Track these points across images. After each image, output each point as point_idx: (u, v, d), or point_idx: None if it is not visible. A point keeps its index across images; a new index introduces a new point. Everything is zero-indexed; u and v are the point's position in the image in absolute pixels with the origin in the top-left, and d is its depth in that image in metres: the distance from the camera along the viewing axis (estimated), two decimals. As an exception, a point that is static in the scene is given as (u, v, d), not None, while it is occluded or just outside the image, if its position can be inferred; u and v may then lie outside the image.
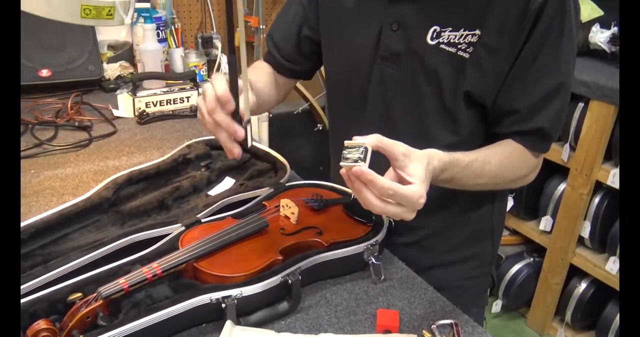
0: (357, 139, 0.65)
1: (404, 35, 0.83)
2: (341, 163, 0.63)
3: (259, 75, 0.99)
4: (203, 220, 0.89)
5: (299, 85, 2.46)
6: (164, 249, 0.82)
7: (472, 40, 0.78)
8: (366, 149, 0.63)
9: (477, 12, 0.77)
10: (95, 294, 0.70)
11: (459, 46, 0.79)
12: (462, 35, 0.78)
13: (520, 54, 0.78)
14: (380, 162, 0.67)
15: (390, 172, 0.67)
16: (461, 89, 0.81)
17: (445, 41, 0.79)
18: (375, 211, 0.65)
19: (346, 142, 0.65)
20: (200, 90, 0.69)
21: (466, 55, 0.79)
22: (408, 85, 0.85)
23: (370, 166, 0.63)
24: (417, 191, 0.64)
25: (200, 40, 1.94)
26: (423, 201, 0.64)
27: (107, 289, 0.70)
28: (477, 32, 0.77)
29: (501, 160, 0.82)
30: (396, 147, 0.66)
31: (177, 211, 0.94)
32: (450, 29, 0.79)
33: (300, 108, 2.48)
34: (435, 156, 0.72)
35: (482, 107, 0.84)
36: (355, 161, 0.63)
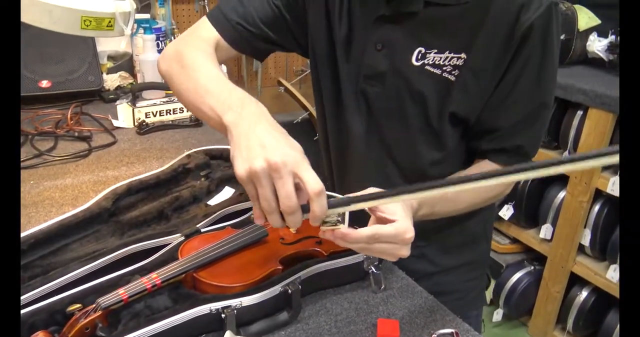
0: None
1: (388, 55, 0.83)
2: (322, 227, 0.64)
3: (216, 62, 0.84)
4: (203, 230, 0.89)
5: (299, 95, 2.48)
6: (164, 259, 0.82)
7: (457, 63, 0.79)
8: None
9: (464, 36, 0.78)
10: (94, 305, 0.69)
11: (444, 68, 0.80)
12: (447, 57, 0.79)
13: (504, 77, 0.79)
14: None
15: (372, 218, 0.68)
16: (447, 110, 0.83)
17: (430, 63, 0.80)
18: (372, 255, 0.68)
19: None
20: (264, 163, 0.60)
21: (452, 78, 0.80)
22: (393, 104, 0.86)
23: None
24: (400, 226, 0.65)
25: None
26: (411, 234, 0.66)
27: (106, 299, 0.70)
28: (463, 55, 0.79)
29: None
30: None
31: (177, 220, 0.94)
32: (436, 51, 0.80)
33: (300, 117, 2.49)
34: None
35: (465, 123, 0.85)
36: (335, 224, 0.64)
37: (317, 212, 0.60)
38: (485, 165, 0.87)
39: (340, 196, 0.63)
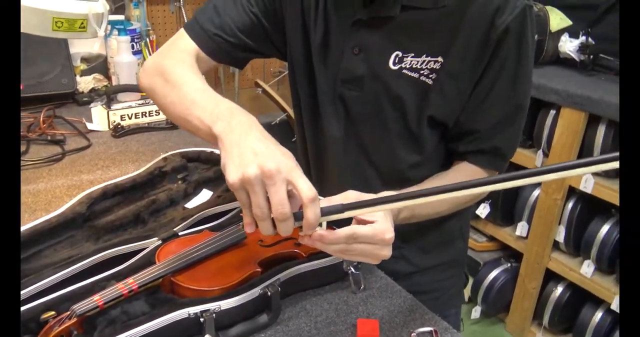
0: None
1: (365, 59, 0.84)
2: (300, 233, 0.64)
3: (200, 74, 0.84)
4: (180, 233, 0.88)
5: (276, 96, 2.48)
6: (140, 263, 0.81)
7: (434, 67, 0.80)
8: None
9: (440, 40, 0.79)
10: (69, 312, 0.68)
11: (421, 72, 0.81)
12: (424, 61, 0.80)
13: (481, 80, 0.80)
14: None
15: (353, 221, 0.68)
16: (425, 114, 0.83)
17: (408, 66, 0.81)
18: (352, 259, 0.68)
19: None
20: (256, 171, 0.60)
21: (429, 82, 0.81)
22: (371, 108, 0.86)
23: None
24: (379, 226, 0.66)
25: (175, 52, 1.93)
26: (390, 235, 0.66)
27: (81, 306, 0.68)
28: (440, 59, 0.79)
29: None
30: (347, 199, 0.66)
31: (154, 224, 0.92)
32: (413, 54, 0.80)
33: (278, 119, 2.49)
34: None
35: (443, 126, 0.86)
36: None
37: (310, 219, 0.60)
38: (464, 167, 0.87)
39: (334, 203, 0.63)
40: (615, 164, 0.48)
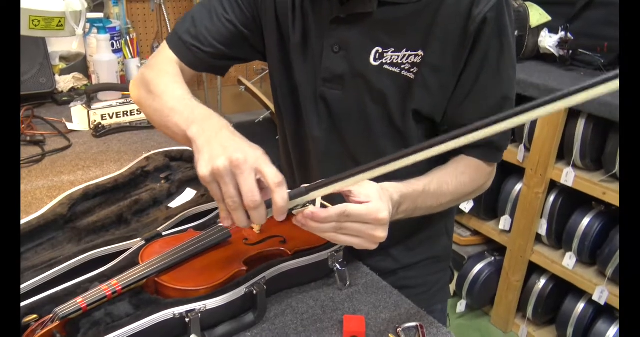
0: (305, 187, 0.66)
1: (346, 57, 0.84)
2: (293, 211, 0.65)
3: (183, 83, 0.86)
4: (164, 233, 0.87)
5: (260, 94, 2.46)
6: (124, 264, 0.80)
7: (415, 60, 0.80)
8: None
9: (419, 34, 0.79)
10: (51, 315, 0.67)
11: (402, 66, 0.81)
12: (404, 55, 0.80)
13: (464, 72, 0.81)
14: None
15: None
16: (409, 108, 0.83)
17: (389, 62, 0.81)
18: (347, 242, 0.67)
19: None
20: (224, 162, 0.63)
21: (411, 76, 0.81)
22: (354, 106, 0.86)
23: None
24: (373, 205, 0.66)
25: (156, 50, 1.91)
26: (384, 214, 0.66)
27: (63, 309, 0.67)
28: (420, 52, 0.80)
29: (457, 177, 0.84)
30: (382, 189, 0.68)
31: (137, 225, 0.92)
32: (393, 49, 0.81)
33: (262, 117, 2.48)
34: (390, 188, 0.73)
35: (431, 121, 0.86)
36: (305, 205, 0.65)
37: (279, 203, 0.62)
38: (462, 160, 0.86)
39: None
40: (615, 84, 0.46)
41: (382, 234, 0.67)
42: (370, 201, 0.66)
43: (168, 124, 0.76)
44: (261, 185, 0.63)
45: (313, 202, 0.65)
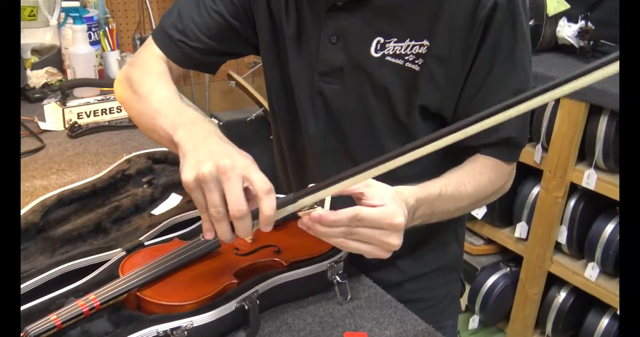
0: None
1: (344, 48, 0.84)
2: (299, 213, 0.66)
3: (170, 83, 0.88)
4: (146, 243, 0.87)
5: (252, 90, 2.47)
6: (102, 277, 0.80)
7: (420, 51, 0.80)
8: None
9: (423, 21, 0.79)
10: (22, 334, 0.67)
11: (406, 57, 0.81)
12: (408, 46, 0.80)
13: (474, 63, 0.81)
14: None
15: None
16: (415, 103, 0.84)
17: (391, 53, 0.81)
18: (357, 250, 0.67)
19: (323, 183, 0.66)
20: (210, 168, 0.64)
21: (416, 68, 0.81)
22: (354, 101, 0.87)
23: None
24: (387, 209, 0.66)
25: (138, 42, 1.92)
26: (400, 219, 0.66)
27: (36, 327, 0.67)
28: (425, 42, 0.80)
29: (475, 178, 0.84)
30: (398, 194, 0.68)
31: (117, 234, 0.92)
32: (395, 39, 0.81)
33: (254, 114, 2.48)
34: (405, 192, 0.73)
35: (440, 118, 0.87)
36: (312, 207, 0.65)
37: (266, 211, 0.63)
38: (477, 159, 0.86)
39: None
40: (615, 67, 0.48)
41: (396, 241, 0.66)
42: (385, 203, 0.66)
43: (153, 127, 0.78)
44: (248, 195, 0.64)
45: (321, 203, 0.65)
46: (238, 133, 2.37)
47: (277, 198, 0.65)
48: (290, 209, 0.65)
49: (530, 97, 0.53)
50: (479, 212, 2.14)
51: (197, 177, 0.64)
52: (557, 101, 1.86)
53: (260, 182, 0.63)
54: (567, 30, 1.96)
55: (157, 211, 0.99)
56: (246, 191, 0.64)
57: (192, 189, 0.65)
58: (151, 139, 0.82)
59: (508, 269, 2.17)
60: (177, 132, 0.72)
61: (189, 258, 0.80)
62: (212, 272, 0.79)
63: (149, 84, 0.85)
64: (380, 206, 0.66)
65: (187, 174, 0.64)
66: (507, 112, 0.54)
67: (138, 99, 0.84)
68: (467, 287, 2.21)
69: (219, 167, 0.63)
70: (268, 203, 0.63)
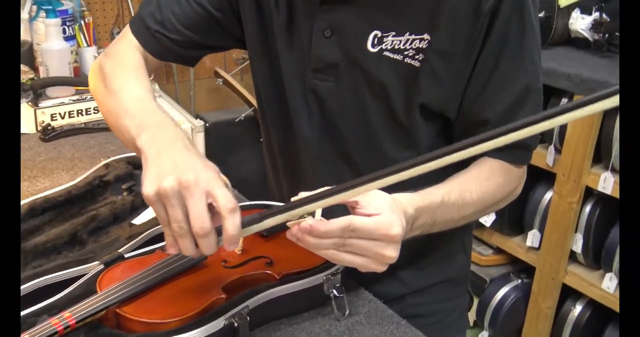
0: (302, 194, 0.67)
1: (339, 42, 0.84)
2: (287, 223, 0.67)
3: (144, 79, 0.88)
4: (126, 255, 0.87)
5: (240, 88, 2.47)
6: (78, 293, 0.80)
7: (420, 46, 0.81)
8: None
9: (423, 14, 0.79)
10: (-9, 355, 0.67)
11: (406, 53, 0.81)
12: (407, 40, 0.81)
13: (479, 58, 0.81)
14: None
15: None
16: (415, 102, 0.84)
17: (389, 47, 0.82)
18: (350, 263, 0.67)
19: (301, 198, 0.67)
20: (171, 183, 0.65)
21: (416, 64, 0.82)
22: (350, 100, 0.87)
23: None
24: (383, 219, 0.66)
25: (116, 37, 1.91)
26: (397, 230, 0.66)
27: (6, 347, 0.67)
28: (426, 36, 0.80)
29: (481, 183, 0.84)
30: (396, 202, 0.69)
31: (94, 245, 0.92)
32: (394, 33, 0.81)
33: (243, 115, 2.48)
34: (404, 200, 0.73)
35: (442, 118, 0.87)
36: (302, 217, 0.66)
37: (229, 230, 0.64)
38: (484, 163, 0.86)
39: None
40: (615, 100, 0.49)
41: (392, 253, 0.67)
42: (381, 213, 0.66)
43: (120, 127, 0.79)
44: (213, 210, 0.66)
45: (313, 213, 0.65)
46: (226, 135, 2.37)
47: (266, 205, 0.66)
48: (256, 228, 0.67)
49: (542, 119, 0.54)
50: (488, 220, 2.15)
51: (158, 192, 0.65)
52: (570, 98, 1.87)
53: (224, 200, 0.65)
54: (580, 23, 1.97)
55: (138, 220, 0.99)
56: (211, 205, 0.65)
57: (153, 203, 0.66)
58: (120, 140, 0.83)
59: (519, 280, 2.17)
60: (141, 135, 0.73)
61: (172, 271, 0.80)
62: (198, 286, 0.79)
63: (122, 79, 0.85)
64: (375, 215, 0.66)
65: (148, 187, 0.66)
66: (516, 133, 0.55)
67: (108, 94, 0.85)
68: (475, 301, 2.21)
69: (182, 182, 0.64)
70: (232, 222, 0.64)
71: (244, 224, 0.66)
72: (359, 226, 0.65)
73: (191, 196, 0.64)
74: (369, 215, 0.67)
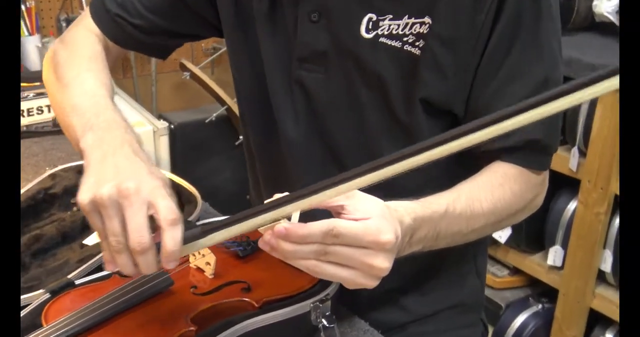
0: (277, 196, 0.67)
1: (328, 27, 0.85)
2: (259, 229, 0.65)
3: (101, 71, 0.89)
4: (77, 282, 0.87)
5: (211, 83, 2.47)
6: (21, 327, 0.79)
7: (421, 30, 0.81)
8: None
9: None
10: None
11: (405, 39, 0.82)
12: (406, 24, 0.82)
13: (488, 45, 0.82)
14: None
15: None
16: (416, 96, 0.84)
17: (386, 33, 0.82)
18: (334, 276, 0.66)
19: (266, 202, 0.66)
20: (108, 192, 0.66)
21: (417, 52, 0.82)
22: (342, 94, 0.88)
23: None
24: (373, 223, 0.65)
25: (64, 25, 1.91)
26: (389, 237, 0.65)
27: None
28: (427, 19, 0.81)
29: (493, 191, 0.84)
30: (389, 208, 0.69)
31: (38, 270, 0.91)
32: (391, 16, 0.82)
33: (214, 115, 2.48)
34: (400, 208, 0.73)
35: (447, 115, 0.88)
36: (275, 220, 0.64)
37: (168, 245, 0.65)
38: (497, 168, 0.86)
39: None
40: (615, 81, 0.51)
41: (383, 263, 0.65)
42: (368, 217, 0.65)
43: (67, 124, 0.80)
44: (155, 224, 0.66)
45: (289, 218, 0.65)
46: (194, 138, 2.36)
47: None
48: (201, 244, 0.67)
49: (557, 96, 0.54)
50: (502, 235, 2.16)
51: (94, 200, 0.66)
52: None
53: (165, 210, 0.66)
54: (605, 5, 1.99)
55: (90, 240, 0.99)
56: (153, 219, 0.66)
57: (88, 213, 0.67)
58: (69, 140, 0.84)
59: (540, 305, 2.18)
60: (85, 136, 0.75)
61: (133, 300, 0.80)
62: (163, 317, 0.79)
63: (74, 71, 0.86)
64: (363, 220, 0.65)
65: (83, 194, 0.67)
66: (528, 113, 0.55)
67: (58, 87, 0.86)
68: (490, 330, 2.22)
69: (121, 190, 0.65)
70: (171, 236, 0.65)
71: (186, 239, 0.66)
72: (344, 230, 0.63)
73: (130, 206, 0.65)
74: (356, 220, 0.66)
